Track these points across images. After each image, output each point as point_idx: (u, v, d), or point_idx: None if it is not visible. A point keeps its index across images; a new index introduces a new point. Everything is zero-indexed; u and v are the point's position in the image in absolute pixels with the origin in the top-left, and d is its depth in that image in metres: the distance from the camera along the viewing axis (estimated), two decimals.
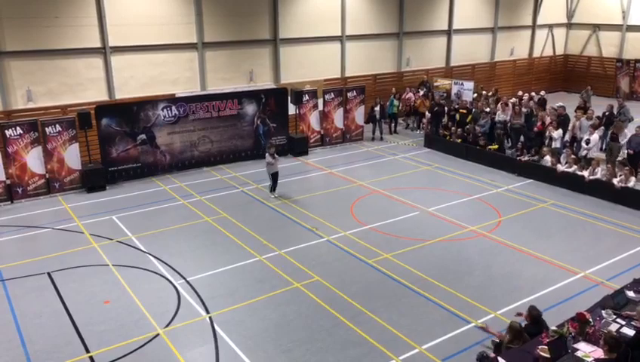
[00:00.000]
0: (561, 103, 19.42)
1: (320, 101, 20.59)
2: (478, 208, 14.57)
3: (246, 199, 15.36)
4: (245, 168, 18.06)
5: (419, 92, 23.42)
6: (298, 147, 19.65)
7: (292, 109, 19.85)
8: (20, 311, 9.93)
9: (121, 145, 16.66)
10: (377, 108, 21.49)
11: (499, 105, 20.08)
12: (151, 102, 17.17)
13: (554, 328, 7.57)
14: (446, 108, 21.05)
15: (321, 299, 10.16)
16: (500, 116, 19.02)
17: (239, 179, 17.12)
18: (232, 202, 15.09)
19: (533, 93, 22.45)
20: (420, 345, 8.89)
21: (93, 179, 16.12)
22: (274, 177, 15.34)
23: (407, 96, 22.95)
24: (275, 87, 21.15)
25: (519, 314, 8.30)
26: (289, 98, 19.55)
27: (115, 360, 8.62)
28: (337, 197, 15.45)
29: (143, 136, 16.94)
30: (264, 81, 21.42)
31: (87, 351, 8.84)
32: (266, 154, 15.25)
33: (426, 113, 22.00)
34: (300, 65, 22.21)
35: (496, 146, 17.93)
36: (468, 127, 19.34)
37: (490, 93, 22.59)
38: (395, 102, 22.33)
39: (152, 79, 19.04)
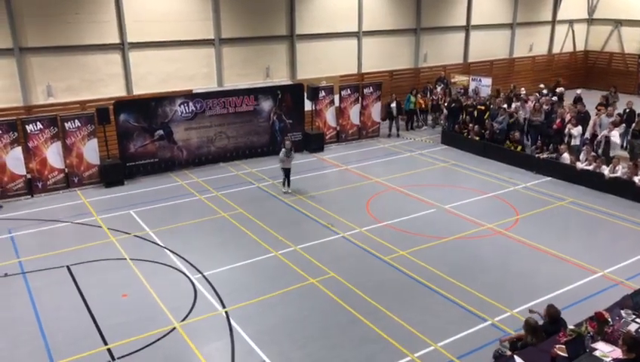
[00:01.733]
0: (579, 91, 19.13)
1: (336, 97, 20.58)
2: (495, 206, 14.48)
3: (262, 195, 15.42)
4: (261, 164, 18.13)
5: (436, 88, 23.28)
6: (314, 143, 19.67)
7: (308, 105, 19.85)
8: (40, 303, 10.11)
9: (138, 140, 16.82)
10: (394, 105, 21.41)
11: (517, 102, 19.89)
12: (168, 98, 17.30)
13: (572, 327, 7.50)
14: (464, 105, 20.90)
15: (337, 295, 10.18)
16: (520, 114, 18.84)
17: (255, 174, 17.19)
18: (248, 198, 15.16)
19: (544, 91, 22.08)
20: (435, 343, 8.87)
21: (112, 174, 16.31)
22: (285, 173, 15.42)
23: (436, 90, 22.72)
24: (291, 83, 21.17)
25: (532, 312, 8.24)
26: (305, 94, 19.56)
27: (133, 353, 8.74)
28: (353, 194, 15.45)
29: (160, 132, 17.08)
30: (280, 77, 21.46)
31: (105, 343, 8.98)
32: (282, 150, 15.32)
33: (443, 109, 21.87)
34: (317, 61, 22.20)
35: (521, 147, 17.72)
36: (486, 124, 19.19)
37: (509, 90, 22.38)
38: (412, 99, 22.22)
39: (170, 75, 19.19)
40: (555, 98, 20.67)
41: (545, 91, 21.93)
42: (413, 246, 12.08)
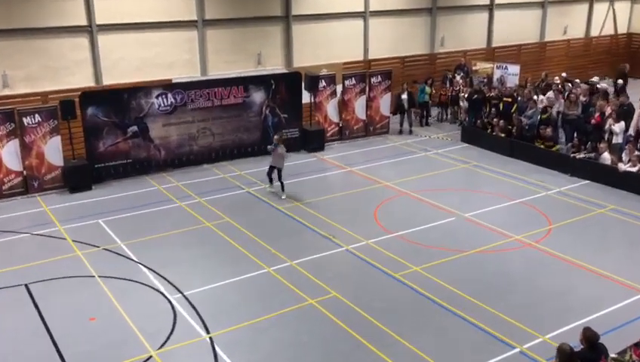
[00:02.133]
0: (620, 81, 19.00)
1: (339, 88, 20.61)
2: (523, 214, 14.48)
3: (252, 201, 15.43)
4: (252, 165, 18.16)
5: (455, 77, 23.32)
6: (313, 141, 19.70)
7: (306, 97, 19.89)
8: None
9: (109, 138, 16.84)
10: (405, 97, 21.45)
11: (550, 92, 19.91)
12: (144, 88, 17.32)
13: (614, 355, 7.49)
14: (487, 96, 20.93)
15: (339, 318, 10.17)
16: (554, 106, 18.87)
17: (245, 178, 17.20)
18: (236, 205, 15.16)
19: (595, 78, 22.09)
20: None
21: (77, 178, 16.33)
22: (275, 171, 15.60)
23: (456, 80, 22.75)
24: (286, 71, 21.21)
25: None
26: (303, 84, 19.60)
27: None
28: (358, 200, 15.45)
29: (134, 128, 17.11)
30: (274, 65, 21.50)
31: None
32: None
33: (464, 101, 21.90)
34: (316, 45, 22.26)
35: (557, 147, 17.73)
36: (513, 119, 19.22)
37: (541, 80, 22.42)
38: (427, 89, 22.27)
39: (145, 62, 19.22)
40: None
41: (596, 79, 21.78)
42: (429, 260, 12.08)
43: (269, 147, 15.70)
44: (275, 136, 15.78)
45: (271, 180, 15.82)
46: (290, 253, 12.45)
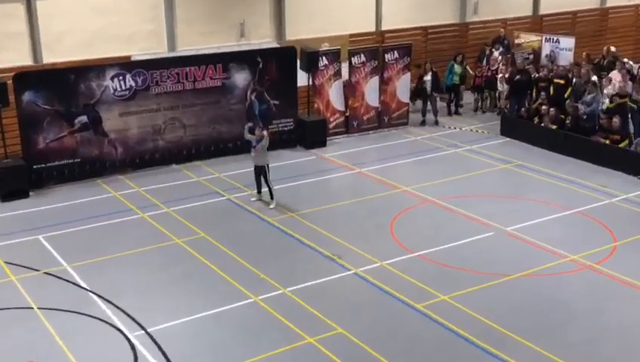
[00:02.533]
0: None
1: (344, 67, 20.62)
2: (581, 227, 14.45)
3: (234, 211, 15.40)
4: (233, 166, 18.12)
5: (492, 53, 23.32)
6: (312, 135, 19.71)
7: (303, 79, 19.89)
8: None
9: (51, 131, 16.83)
10: (429, 78, 21.45)
11: (614, 72, 19.87)
12: (95, 68, 17.31)
13: None
14: (533, 78, 20.93)
15: (345, 361, 10.14)
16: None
17: (224, 181, 17.18)
18: (213, 216, 15.13)
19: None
20: None
21: (11, 182, 16.31)
22: (257, 174, 15.64)
23: (493, 58, 22.77)
24: (277, 46, 21.21)
25: None
26: (298, 62, 19.59)
27: None
28: (370, 210, 15.43)
29: (83, 119, 17.10)
30: (261, 38, 21.50)
31: None
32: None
33: (503, 84, 21.90)
34: (315, 13, 22.26)
35: (624, 141, 17.70)
36: (567, 106, 19.21)
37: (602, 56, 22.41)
38: (457, 68, 22.27)
39: (97, 34, 19.21)
40: None
41: None
42: (460, 287, 12.04)
43: (253, 141, 15.60)
44: (256, 132, 15.69)
45: (260, 188, 15.81)
46: (283, 277, 12.41)
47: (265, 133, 15.67)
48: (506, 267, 12.72)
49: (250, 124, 16.19)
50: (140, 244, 13.78)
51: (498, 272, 12.53)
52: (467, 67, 22.70)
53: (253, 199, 15.88)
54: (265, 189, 15.72)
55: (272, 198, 15.56)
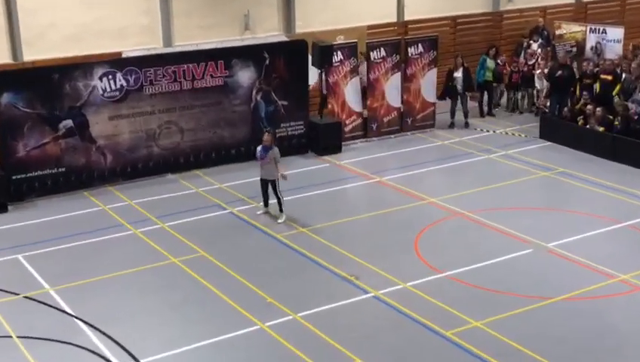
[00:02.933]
0: None
1: (362, 63, 20.60)
2: (632, 243, 14.36)
3: (238, 227, 15.41)
4: (237, 175, 18.14)
5: (530, 46, 23.24)
6: (325, 139, 19.74)
7: (315, 77, 19.89)
8: None
9: (32, 137, 16.90)
10: (459, 75, 21.44)
11: None
12: (82, 66, 17.38)
13: None
14: (576, 73, 20.85)
15: None
16: None
17: (227, 193, 17.19)
18: (214, 232, 15.14)
19: None
20: None
21: None
22: (263, 186, 15.62)
23: (530, 51, 22.72)
24: (286, 39, 21.24)
25: None
26: (310, 58, 19.64)
27: None
28: (391, 224, 15.41)
29: (68, 123, 17.16)
30: (268, 31, 21.55)
31: None
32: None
33: (542, 81, 21.82)
34: (328, 3, 22.31)
35: None
36: (615, 104, 19.09)
37: None
38: (490, 63, 22.22)
39: (84, 29, 19.30)
40: None
41: None
42: (495, 312, 11.96)
43: (257, 152, 15.57)
44: (265, 136, 15.60)
45: (267, 200, 15.79)
46: (293, 301, 12.37)
47: (270, 138, 15.60)
48: (546, 289, 12.62)
49: (266, 136, 15.73)
50: (132, 264, 13.78)
51: (538, 295, 12.43)
52: (501, 62, 22.60)
53: (259, 213, 15.86)
54: (273, 201, 15.69)
55: (281, 211, 15.53)
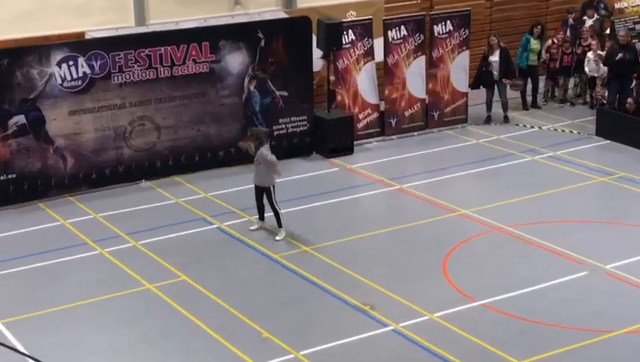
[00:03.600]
0: None
1: (378, 43, 20.65)
2: None
3: (227, 245, 15.43)
4: (226, 182, 18.15)
5: (582, 24, 23.21)
6: (334, 138, 19.77)
7: (321, 61, 19.92)
8: None
9: None
10: (495, 58, 21.43)
11: None
12: (36, 50, 17.40)
13: None
14: None
15: None
16: None
17: (213, 204, 17.20)
18: (198, 252, 15.15)
19: None
20: None
21: None
22: (258, 195, 15.57)
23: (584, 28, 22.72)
24: (285, 16, 21.23)
25: None
26: (315, 39, 19.66)
27: None
28: (414, 242, 15.41)
29: (20, 120, 17.17)
30: (263, 6, 21.57)
31: None
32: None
33: (599, 66, 21.77)
34: None
35: None
36: None
37: None
38: (534, 44, 22.21)
39: (39, 5, 19.31)
40: None
41: None
42: (542, 348, 11.89)
43: (262, 152, 15.46)
44: (248, 133, 15.54)
45: (263, 213, 15.79)
46: (294, 336, 12.35)
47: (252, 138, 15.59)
48: (606, 320, 12.57)
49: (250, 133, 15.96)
50: (98, 292, 13.75)
51: (595, 327, 12.38)
52: (558, 40, 22.54)
53: (253, 228, 15.85)
54: (269, 214, 15.70)
55: (279, 226, 15.52)
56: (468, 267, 14.45)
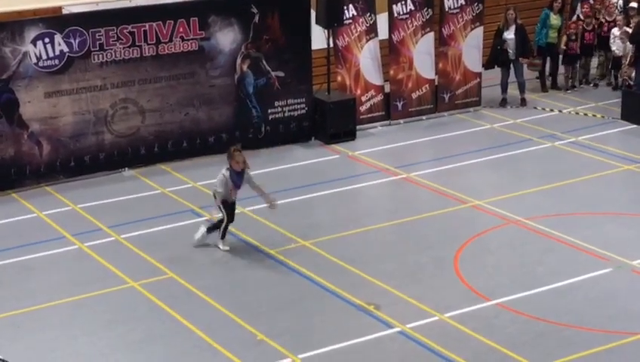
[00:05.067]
0: None
1: (381, 20, 20.62)
2: None
3: (217, 239, 15.38)
4: (215, 170, 17.79)
5: None
6: (335, 122, 19.80)
7: (320, 39, 19.91)
8: None
9: None
10: (511, 35, 21.44)
11: None
12: (8, 26, 17.35)
13: None
14: None
15: None
16: None
17: (202, 194, 17.17)
18: (187, 246, 15.15)
19: None
20: None
21: None
22: (225, 210, 15.01)
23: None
24: None
25: None
26: (313, 14, 19.65)
27: None
28: (422, 236, 15.45)
29: None
30: None
31: None
32: (224, 170, 14.88)
33: (625, 44, 21.74)
34: None
35: None
36: None
37: None
38: (554, 20, 22.18)
39: None
40: None
41: None
42: (562, 352, 11.88)
43: (229, 179, 14.77)
44: (237, 155, 14.74)
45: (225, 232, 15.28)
46: (292, 339, 12.34)
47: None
48: (632, 321, 12.56)
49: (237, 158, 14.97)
50: (76, 290, 13.74)
51: (622, 329, 12.36)
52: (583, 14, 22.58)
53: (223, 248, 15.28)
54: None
55: (222, 237, 15.11)
56: (481, 263, 14.44)
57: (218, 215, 15.26)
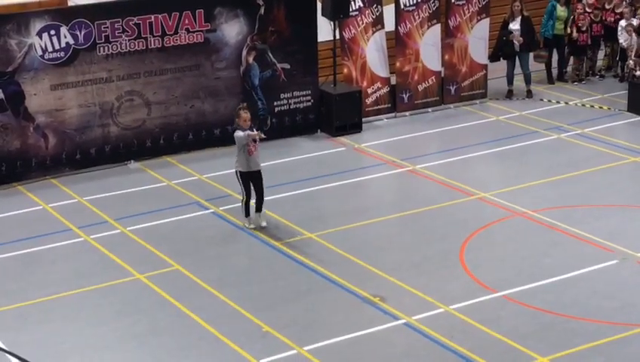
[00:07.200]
0: None
1: (388, 12, 20.61)
2: None
3: (225, 232, 15.46)
4: (222, 163, 18.06)
5: None
6: (341, 114, 19.77)
7: (326, 31, 19.91)
8: None
9: None
10: (516, 26, 21.38)
11: None
12: (14, 17, 17.36)
13: None
14: None
15: None
16: None
17: (209, 186, 17.24)
18: (192, 238, 15.18)
19: None
20: None
21: None
22: (253, 183, 15.18)
23: None
24: None
25: None
26: (319, 6, 19.65)
27: None
28: (428, 228, 15.44)
29: None
30: None
31: None
32: (236, 129, 15.18)
33: (632, 35, 21.69)
34: None
35: None
36: None
37: None
38: (560, 11, 22.14)
39: None
40: None
41: None
42: (568, 344, 11.86)
43: (248, 137, 15.08)
44: (243, 113, 15.12)
45: (248, 208, 15.43)
46: (298, 331, 12.35)
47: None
48: (637, 313, 12.55)
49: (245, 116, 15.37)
50: (83, 282, 13.77)
51: (625, 321, 12.36)
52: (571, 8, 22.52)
53: (249, 226, 15.45)
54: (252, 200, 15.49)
55: (259, 211, 15.36)
56: (487, 255, 14.44)
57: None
